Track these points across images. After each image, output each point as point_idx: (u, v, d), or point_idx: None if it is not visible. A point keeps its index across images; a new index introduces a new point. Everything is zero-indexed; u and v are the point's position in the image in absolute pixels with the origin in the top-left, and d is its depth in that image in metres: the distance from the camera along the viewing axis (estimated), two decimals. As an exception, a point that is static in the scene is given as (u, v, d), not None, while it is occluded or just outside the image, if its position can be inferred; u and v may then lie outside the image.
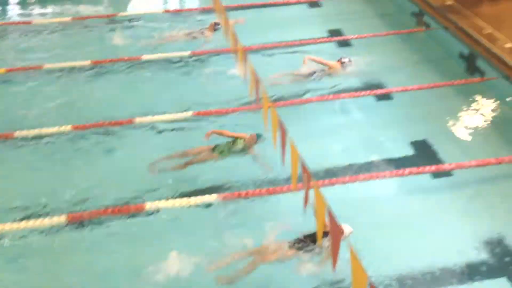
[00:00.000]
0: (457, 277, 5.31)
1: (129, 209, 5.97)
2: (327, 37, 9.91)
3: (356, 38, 9.59)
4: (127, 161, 6.87)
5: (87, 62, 8.92)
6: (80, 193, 6.28)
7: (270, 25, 10.29)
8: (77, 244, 5.71)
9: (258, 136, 6.63)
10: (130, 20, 10.61)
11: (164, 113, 7.53)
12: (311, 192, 3.92)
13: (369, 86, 8.30)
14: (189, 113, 7.59)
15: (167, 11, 10.95)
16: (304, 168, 4.24)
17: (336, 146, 7.13)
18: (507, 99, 7.96)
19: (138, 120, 7.43)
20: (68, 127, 7.25)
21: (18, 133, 7.14)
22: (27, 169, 6.76)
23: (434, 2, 10.27)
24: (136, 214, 5.93)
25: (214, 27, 9.53)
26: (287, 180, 5.98)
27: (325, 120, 7.66)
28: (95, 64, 8.90)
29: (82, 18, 10.59)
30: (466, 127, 7.54)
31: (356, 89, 8.21)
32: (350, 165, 6.72)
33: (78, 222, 5.84)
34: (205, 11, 10.73)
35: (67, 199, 6.20)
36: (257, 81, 5.77)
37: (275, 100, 7.63)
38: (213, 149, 6.68)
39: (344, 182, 6.27)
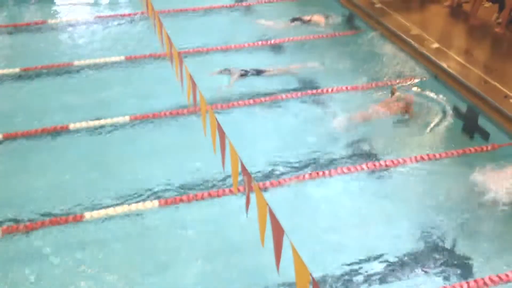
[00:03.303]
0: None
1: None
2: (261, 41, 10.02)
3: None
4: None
5: (15, 70, 8.72)
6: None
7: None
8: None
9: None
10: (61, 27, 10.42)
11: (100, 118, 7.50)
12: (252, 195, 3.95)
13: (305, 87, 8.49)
14: (126, 118, 7.54)
15: (98, 17, 10.76)
16: (245, 170, 4.26)
17: (275, 146, 7.18)
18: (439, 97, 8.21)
19: (72, 126, 7.34)
20: (-1, 136, 7.14)
21: None
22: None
23: (364, 6, 10.59)
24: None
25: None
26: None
27: (263, 121, 7.71)
28: (25, 71, 8.69)
29: (9, 25, 10.32)
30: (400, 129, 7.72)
31: (294, 89, 8.37)
32: (289, 166, 6.78)
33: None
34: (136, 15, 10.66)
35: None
36: (193, 85, 5.75)
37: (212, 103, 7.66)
38: None
39: (285, 183, 6.37)
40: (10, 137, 7.14)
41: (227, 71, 8.70)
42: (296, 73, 8.80)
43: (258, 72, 8.69)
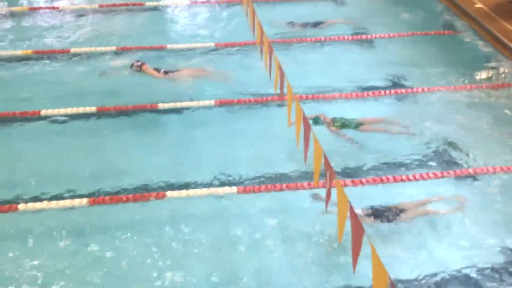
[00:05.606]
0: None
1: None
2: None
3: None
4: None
5: (112, 48, 9.14)
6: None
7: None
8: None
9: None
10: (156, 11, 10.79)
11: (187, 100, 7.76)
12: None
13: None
14: (211, 101, 7.68)
15: (193, 3, 10.98)
16: (328, 165, 4.18)
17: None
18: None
19: (161, 105, 7.61)
20: (93, 108, 7.51)
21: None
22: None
23: (464, 6, 10.13)
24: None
25: None
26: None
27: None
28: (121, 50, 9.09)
29: (109, 5, 10.74)
30: (491, 135, 7.29)
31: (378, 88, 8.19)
32: (374, 166, 6.63)
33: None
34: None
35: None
36: (281, 75, 5.72)
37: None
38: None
39: (368, 183, 6.23)
40: (103, 111, 7.49)
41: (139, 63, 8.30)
42: (210, 77, 8.36)
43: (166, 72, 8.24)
